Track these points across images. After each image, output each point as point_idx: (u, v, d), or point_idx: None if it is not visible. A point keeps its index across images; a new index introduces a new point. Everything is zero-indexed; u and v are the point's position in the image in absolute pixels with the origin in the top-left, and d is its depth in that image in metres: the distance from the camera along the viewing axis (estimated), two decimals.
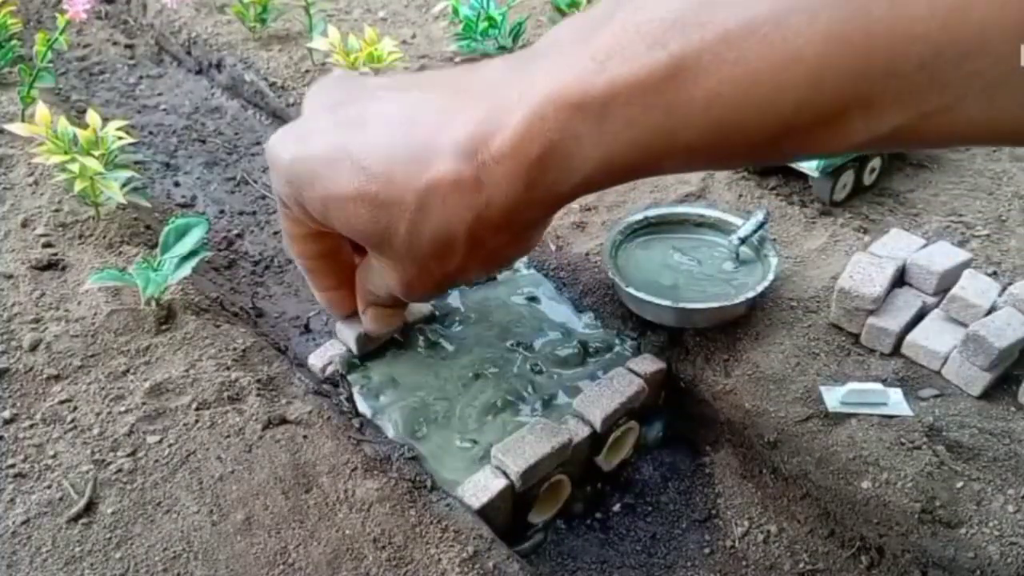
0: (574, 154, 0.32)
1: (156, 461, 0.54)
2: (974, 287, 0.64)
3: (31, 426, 0.57)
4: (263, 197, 1.04)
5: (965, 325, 0.63)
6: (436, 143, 0.34)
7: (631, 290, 0.66)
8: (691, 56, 0.29)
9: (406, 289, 0.43)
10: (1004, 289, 0.66)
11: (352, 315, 0.57)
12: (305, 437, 0.56)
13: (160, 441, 0.56)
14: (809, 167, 0.82)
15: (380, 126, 0.35)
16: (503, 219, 0.36)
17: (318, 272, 0.52)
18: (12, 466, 0.54)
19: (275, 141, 0.41)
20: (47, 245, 0.75)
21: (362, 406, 0.63)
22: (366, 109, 0.37)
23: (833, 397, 0.61)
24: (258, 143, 1.16)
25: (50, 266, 0.73)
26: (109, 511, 0.51)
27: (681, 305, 0.65)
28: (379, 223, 0.37)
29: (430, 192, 0.35)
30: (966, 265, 0.68)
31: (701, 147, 0.32)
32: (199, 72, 1.34)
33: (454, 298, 0.72)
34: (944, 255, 0.68)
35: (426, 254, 0.38)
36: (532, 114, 0.32)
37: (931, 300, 0.66)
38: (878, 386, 0.61)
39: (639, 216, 0.75)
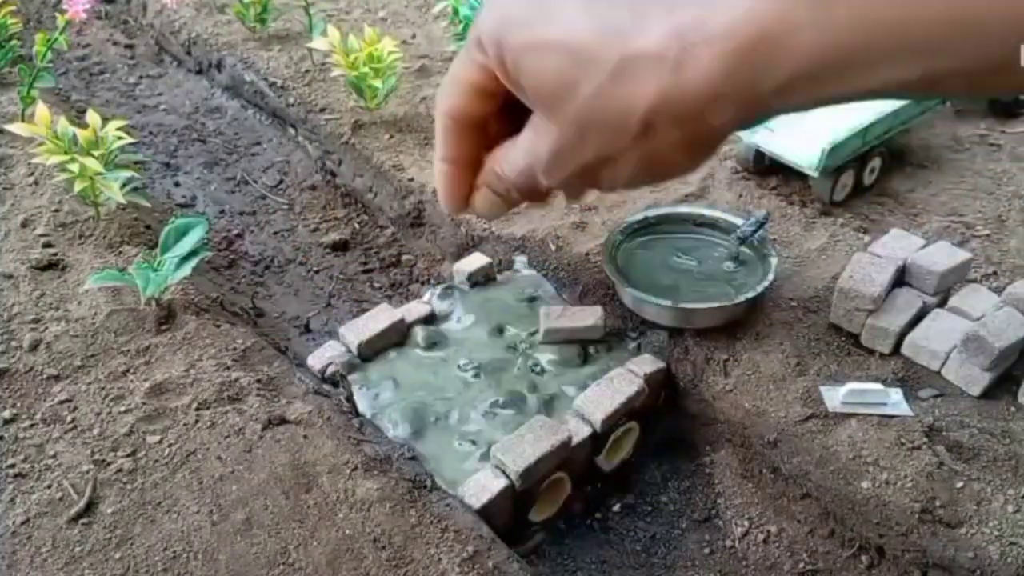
0: (784, 46, 0.32)
1: (156, 461, 0.54)
2: (974, 297, 0.65)
3: (31, 426, 0.57)
4: (263, 197, 1.04)
5: (965, 325, 0.63)
6: (655, 18, 0.35)
7: (631, 290, 0.66)
8: None
9: (552, 158, 0.42)
10: (1004, 289, 0.66)
11: (456, 205, 0.55)
12: (305, 437, 0.56)
13: (160, 441, 0.56)
14: (809, 167, 0.82)
15: None
16: (685, 109, 0.35)
17: (452, 134, 0.52)
18: (12, 466, 0.54)
19: None
20: (47, 245, 0.75)
21: (362, 406, 0.63)
22: None
23: (833, 397, 0.61)
24: (258, 143, 1.16)
25: (50, 266, 0.73)
26: (109, 511, 0.51)
27: (681, 305, 0.65)
28: (567, 79, 0.37)
29: (631, 60, 0.35)
30: (966, 265, 0.68)
31: (925, 52, 0.30)
32: (199, 72, 1.34)
33: (454, 298, 0.72)
34: (944, 255, 0.67)
35: (595, 123, 0.38)
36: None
37: (931, 300, 0.66)
38: (878, 386, 0.61)
39: (639, 216, 0.75)
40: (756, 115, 0.39)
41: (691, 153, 0.43)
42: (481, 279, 0.74)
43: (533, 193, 0.59)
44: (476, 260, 0.74)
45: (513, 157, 0.51)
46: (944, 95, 0.37)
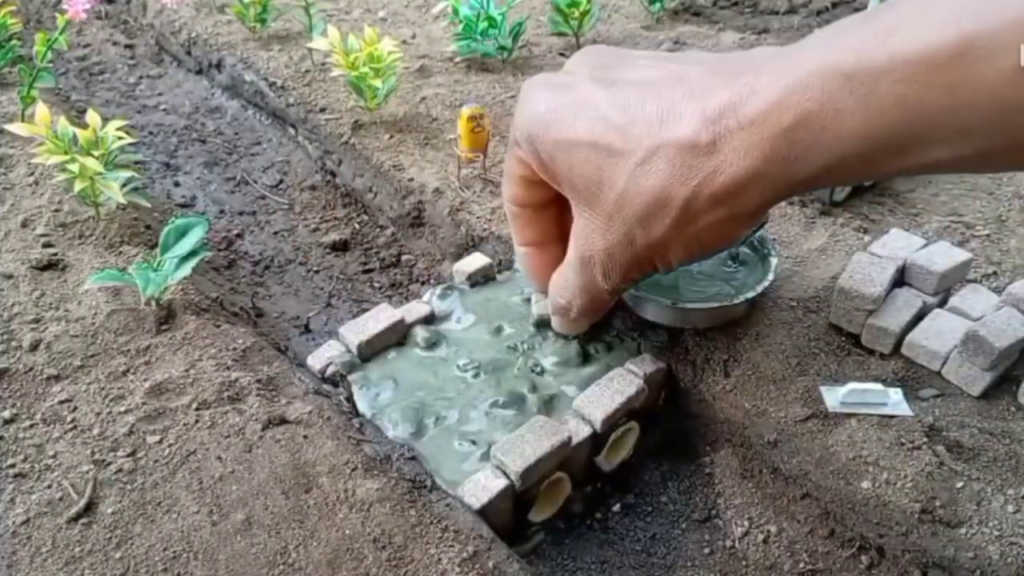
0: (828, 129, 0.30)
1: (156, 461, 0.54)
2: (974, 297, 0.64)
3: (31, 426, 0.57)
4: (263, 197, 1.04)
5: (965, 325, 0.63)
6: (682, 107, 0.34)
7: (631, 289, 0.66)
8: (985, 35, 0.28)
9: (605, 259, 0.41)
10: (1004, 289, 0.65)
11: (543, 286, 0.54)
12: (305, 437, 0.56)
13: (160, 441, 0.56)
14: None
15: (633, 87, 0.35)
16: (725, 192, 0.34)
17: (521, 220, 0.51)
18: (12, 466, 0.54)
19: (530, 82, 0.41)
20: (47, 245, 0.75)
21: (362, 406, 0.63)
22: (623, 73, 0.37)
23: (833, 397, 0.61)
24: (258, 143, 1.16)
25: (50, 266, 0.73)
26: (109, 511, 0.51)
27: (681, 305, 0.65)
28: (600, 173, 0.36)
29: (660, 149, 0.34)
30: (966, 265, 0.68)
31: (977, 132, 0.29)
32: (199, 72, 1.34)
33: (454, 298, 0.72)
34: (944, 255, 0.68)
35: (635, 215, 0.36)
36: (795, 82, 0.31)
37: (931, 300, 0.66)
38: (878, 386, 0.61)
39: None
40: (802, 189, 0.38)
41: (731, 230, 0.42)
42: (481, 279, 0.74)
43: (598, 306, 0.57)
44: (476, 260, 0.74)
45: (565, 280, 0.51)
46: (1003, 170, 0.37)
